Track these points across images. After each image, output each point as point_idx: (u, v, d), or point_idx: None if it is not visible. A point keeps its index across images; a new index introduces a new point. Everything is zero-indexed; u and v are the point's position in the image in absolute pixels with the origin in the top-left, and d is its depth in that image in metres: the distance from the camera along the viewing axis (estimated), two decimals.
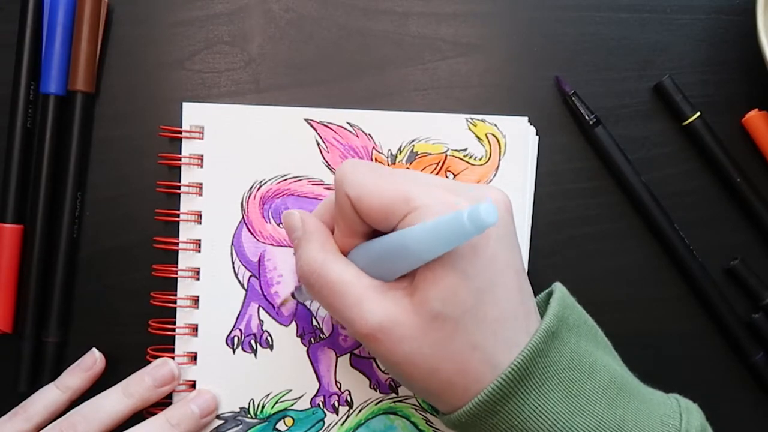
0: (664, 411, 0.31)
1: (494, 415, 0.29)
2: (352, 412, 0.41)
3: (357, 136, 0.41)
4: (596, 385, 0.30)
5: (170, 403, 0.40)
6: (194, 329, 0.40)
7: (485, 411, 0.29)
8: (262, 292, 0.41)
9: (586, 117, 0.40)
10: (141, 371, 0.39)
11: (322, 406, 0.41)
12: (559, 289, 0.33)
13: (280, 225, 0.41)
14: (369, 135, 0.41)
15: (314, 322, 0.41)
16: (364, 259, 0.32)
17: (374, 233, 0.32)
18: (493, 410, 0.29)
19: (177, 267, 0.40)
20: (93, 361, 0.40)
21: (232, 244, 0.40)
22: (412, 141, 0.41)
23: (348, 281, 0.31)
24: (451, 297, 0.28)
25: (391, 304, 0.30)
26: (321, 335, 0.41)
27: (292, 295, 0.39)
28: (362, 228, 0.32)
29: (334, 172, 0.41)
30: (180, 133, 0.41)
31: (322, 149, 0.41)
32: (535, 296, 0.33)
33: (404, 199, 0.29)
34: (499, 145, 0.41)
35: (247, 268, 0.41)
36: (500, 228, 0.30)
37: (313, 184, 0.41)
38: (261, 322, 0.40)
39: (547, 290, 0.34)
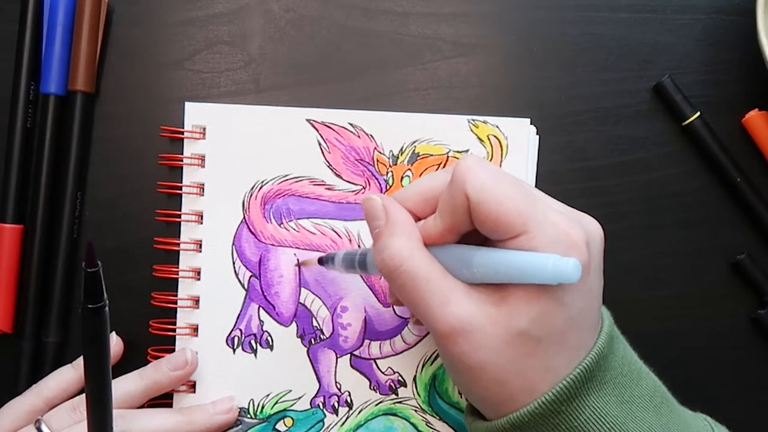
0: (695, 422, 0.32)
1: (556, 415, 0.29)
2: (352, 413, 0.41)
3: (359, 137, 0.41)
4: (643, 392, 0.30)
5: (171, 404, 0.40)
6: (194, 329, 0.40)
7: (549, 411, 0.29)
8: (263, 292, 0.40)
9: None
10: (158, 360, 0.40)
11: (321, 407, 0.41)
12: None
13: (281, 225, 0.41)
14: (371, 136, 0.41)
15: (314, 323, 0.41)
16: (448, 258, 0.31)
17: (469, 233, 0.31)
18: (557, 410, 0.29)
19: (178, 267, 0.40)
20: (119, 345, 0.40)
21: (233, 244, 0.40)
22: (414, 142, 0.41)
23: (435, 279, 0.30)
24: (542, 319, 0.28)
25: (475, 309, 0.29)
26: (321, 336, 0.41)
27: (319, 260, 0.38)
28: (466, 228, 0.30)
29: (335, 172, 0.41)
30: (182, 133, 0.41)
31: (323, 149, 0.41)
32: None
33: (523, 220, 0.28)
34: (501, 146, 0.41)
35: (247, 268, 0.40)
36: (596, 262, 0.30)
37: (314, 185, 0.41)
38: (261, 322, 0.40)
39: None
